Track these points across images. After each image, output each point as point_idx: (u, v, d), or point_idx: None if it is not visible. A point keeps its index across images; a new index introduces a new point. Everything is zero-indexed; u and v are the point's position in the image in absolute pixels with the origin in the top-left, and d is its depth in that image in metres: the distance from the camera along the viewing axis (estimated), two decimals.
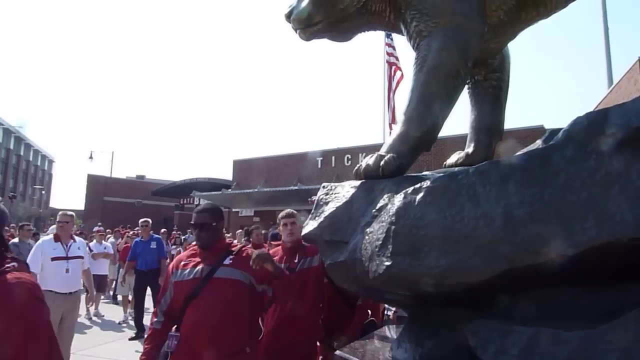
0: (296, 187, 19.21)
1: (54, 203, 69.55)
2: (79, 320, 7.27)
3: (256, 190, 20.60)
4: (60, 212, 5.76)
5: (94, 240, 10.41)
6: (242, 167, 24.35)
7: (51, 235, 5.57)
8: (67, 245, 5.46)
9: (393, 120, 15.13)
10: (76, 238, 5.87)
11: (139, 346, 7.00)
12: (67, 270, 5.32)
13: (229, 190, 22.71)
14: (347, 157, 20.37)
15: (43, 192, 66.46)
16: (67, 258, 5.37)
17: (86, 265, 5.99)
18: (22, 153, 59.31)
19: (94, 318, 9.43)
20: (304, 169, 21.03)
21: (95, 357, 6.28)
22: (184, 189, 29.04)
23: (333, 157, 21.02)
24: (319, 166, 21.18)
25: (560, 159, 1.55)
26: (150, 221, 8.53)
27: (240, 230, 11.27)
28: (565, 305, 1.61)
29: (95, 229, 12.39)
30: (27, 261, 5.18)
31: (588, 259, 1.47)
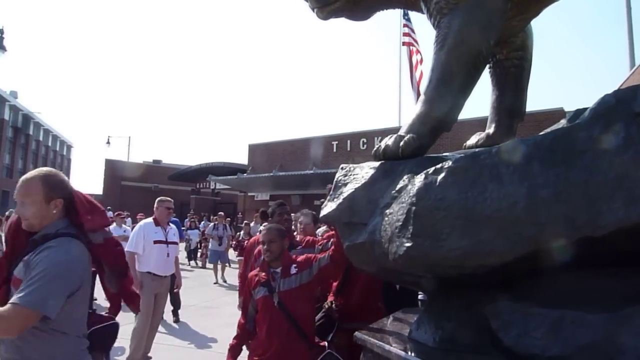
0: (311, 172, 19.18)
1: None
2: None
3: (272, 174, 20.62)
4: (160, 198, 5.75)
5: (114, 224, 10.54)
6: (258, 152, 24.33)
7: (151, 219, 5.61)
8: (165, 230, 5.53)
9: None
10: (171, 224, 5.87)
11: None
12: (168, 255, 5.41)
13: (245, 174, 22.78)
14: (363, 141, 20.21)
15: None
16: (167, 242, 5.43)
17: (177, 252, 5.89)
18: (41, 138, 60.02)
19: None
20: (319, 153, 20.97)
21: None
22: (200, 173, 29.17)
23: (348, 141, 20.87)
24: (335, 150, 21.08)
25: (587, 138, 1.51)
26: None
27: (256, 214, 11.66)
28: (590, 288, 1.58)
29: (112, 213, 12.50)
30: (129, 243, 5.26)
31: (614, 241, 1.44)
